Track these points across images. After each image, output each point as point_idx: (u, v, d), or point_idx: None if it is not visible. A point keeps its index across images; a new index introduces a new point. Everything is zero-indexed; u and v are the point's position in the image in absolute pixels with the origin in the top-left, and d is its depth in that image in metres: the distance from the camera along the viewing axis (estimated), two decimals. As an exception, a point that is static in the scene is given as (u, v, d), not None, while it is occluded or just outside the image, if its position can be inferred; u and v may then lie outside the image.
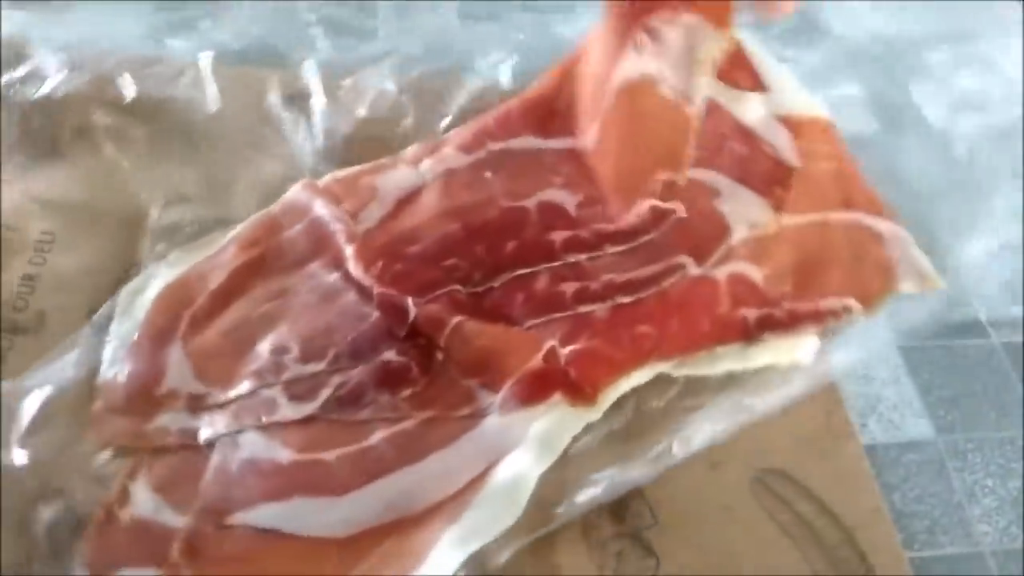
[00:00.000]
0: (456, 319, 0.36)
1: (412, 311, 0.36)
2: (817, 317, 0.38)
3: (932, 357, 0.41)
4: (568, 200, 0.40)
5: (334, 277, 0.38)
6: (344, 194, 0.41)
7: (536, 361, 0.34)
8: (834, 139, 0.43)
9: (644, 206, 0.39)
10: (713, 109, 0.42)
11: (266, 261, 0.39)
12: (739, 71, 0.43)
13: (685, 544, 0.34)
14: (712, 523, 0.34)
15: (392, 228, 0.40)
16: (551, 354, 0.35)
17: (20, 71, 0.45)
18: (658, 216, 0.39)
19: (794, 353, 0.37)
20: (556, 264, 0.39)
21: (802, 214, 0.41)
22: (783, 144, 0.42)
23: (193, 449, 0.34)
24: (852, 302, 0.38)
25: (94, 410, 0.36)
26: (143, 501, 0.33)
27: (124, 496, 0.33)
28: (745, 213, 0.40)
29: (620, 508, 0.34)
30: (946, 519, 0.42)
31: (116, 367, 0.37)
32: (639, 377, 0.36)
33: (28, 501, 0.32)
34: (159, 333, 0.37)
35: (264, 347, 0.36)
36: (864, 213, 0.41)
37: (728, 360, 0.37)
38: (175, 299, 0.38)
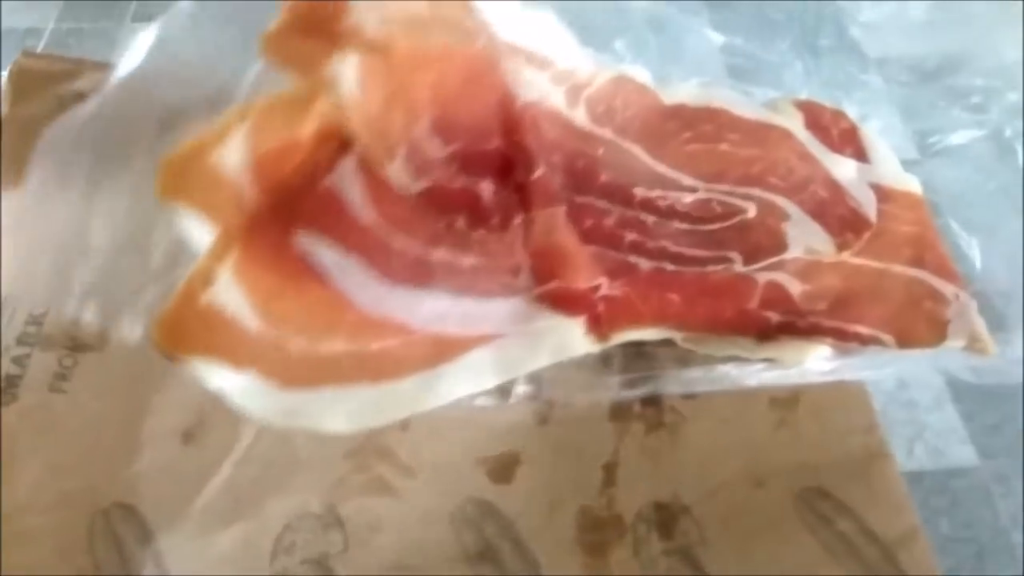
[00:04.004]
0: (562, 208, 0.38)
1: (540, 168, 0.38)
2: (840, 335, 0.39)
3: (974, 383, 0.42)
4: (656, 166, 0.44)
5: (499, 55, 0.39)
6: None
7: (583, 284, 0.37)
8: (923, 211, 0.45)
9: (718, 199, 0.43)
10: (807, 158, 0.46)
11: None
12: (847, 145, 0.48)
13: (732, 561, 0.35)
14: (758, 540, 0.35)
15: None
16: (597, 288, 0.38)
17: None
18: (728, 212, 0.43)
19: (800, 355, 0.38)
20: (629, 213, 0.42)
21: (865, 259, 0.42)
22: (867, 202, 0.44)
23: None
24: (886, 336, 0.39)
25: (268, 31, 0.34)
26: (224, 290, 0.31)
27: (207, 277, 0.32)
28: (807, 240, 0.42)
29: (668, 525, 0.35)
30: (993, 544, 0.42)
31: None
32: (649, 334, 0.39)
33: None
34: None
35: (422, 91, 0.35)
36: (930, 274, 0.42)
37: (734, 348, 0.39)
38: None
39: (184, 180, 0.32)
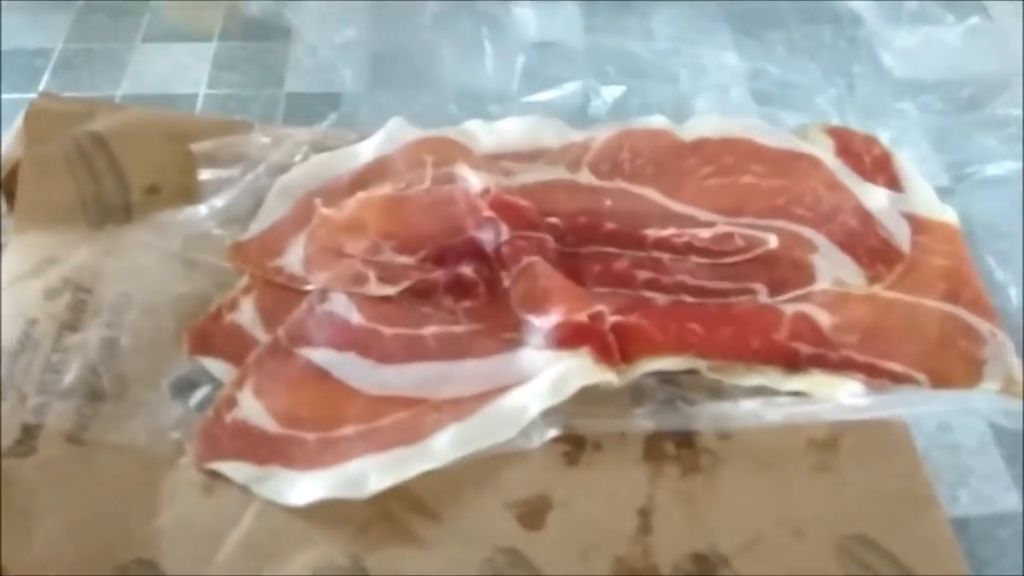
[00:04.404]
0: (534, 258, 0.39)
1: (505, 234, 0.40)
2: (872, 371, 0.38)
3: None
4: (672, 205, 0.44)
5: (449, 187, 0.43)
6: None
7: (581, 315, 0.37)
8: (959, 243, 0.44)
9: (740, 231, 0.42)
10: (836, 187, 0.45)
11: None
12: (880, 173, 0.47)
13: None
14: (800, 592, 0.33)
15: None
16: (597, 315, 0.38)
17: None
18: (750, 245, 0.42)
19: (832, 390, 0.37)
20: (641, 254, 0.42)
21: (898, 292, 0.41)
22: (899, 232, 0.43)
23: (294, 291, 0.41)
24: (919, 375, 0.38)
25: (231, 244, 0.42)
26: (246, 406, 0.37)
27: (231, 401, 0.37)
28: (836, 272, 0.41)
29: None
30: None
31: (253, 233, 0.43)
32: (672, 364, 0.38)
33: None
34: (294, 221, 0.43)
35: (373, 232, 0.42)
36: (966, 310, 0.40)
37: (762, 377, 0.38)
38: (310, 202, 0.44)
39: (208, 338, 0.40)
